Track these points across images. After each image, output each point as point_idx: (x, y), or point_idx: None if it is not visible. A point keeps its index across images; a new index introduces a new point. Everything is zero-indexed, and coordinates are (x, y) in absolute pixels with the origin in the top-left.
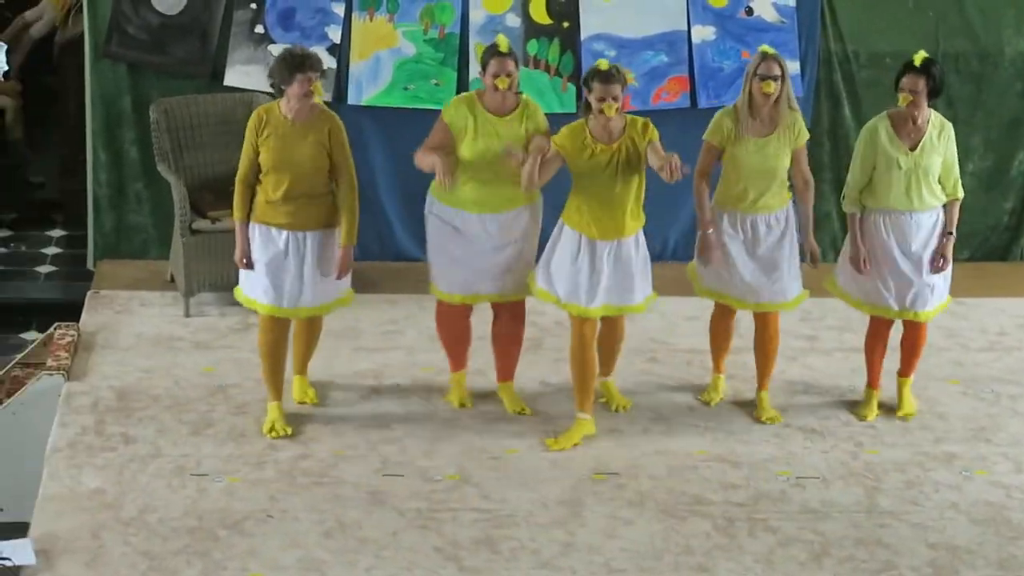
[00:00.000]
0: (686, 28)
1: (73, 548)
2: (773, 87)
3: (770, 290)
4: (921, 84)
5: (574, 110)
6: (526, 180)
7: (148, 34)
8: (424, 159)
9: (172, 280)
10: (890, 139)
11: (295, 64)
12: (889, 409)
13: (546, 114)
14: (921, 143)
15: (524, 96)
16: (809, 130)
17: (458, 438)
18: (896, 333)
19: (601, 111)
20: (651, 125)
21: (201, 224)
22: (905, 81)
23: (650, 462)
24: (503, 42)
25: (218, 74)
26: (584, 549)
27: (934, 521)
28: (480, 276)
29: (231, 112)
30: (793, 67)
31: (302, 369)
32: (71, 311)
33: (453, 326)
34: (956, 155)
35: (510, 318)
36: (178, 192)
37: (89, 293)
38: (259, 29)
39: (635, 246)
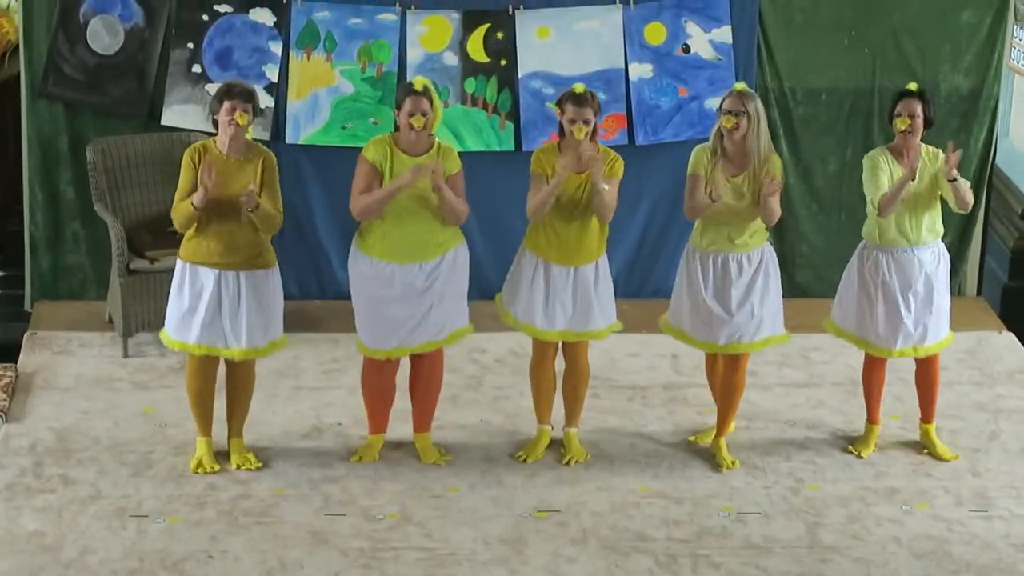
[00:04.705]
0: (623, 66)
1: None
2: (732, 122)
3: (740, 329)
4: (919, 108)
5: (512, 148)
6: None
7: (85, 74)
8: (366, 200)
9: (110, 320)
10: (891, 169)
11: (223, 91)
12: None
13: (483, 152)
14: (918, 172)
15: (438, 139)
16: None
17: (400, 477)
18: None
19: (572, 133)
20: (620, 161)
21: (139, 264)
22: (901, 106)
23: (592, 499)
24: (419, 81)
25: (155, 114)
26: None
27: (876, 555)
28: (399, 328)
29: (168, 152)
30: None
31: (237, 432)
32: (8, 352)
33: (377, 383)
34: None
35: (427, 367)
36: (115, 232)
37: (26, 334)
38: (196, 69)
39: (595, 273)
